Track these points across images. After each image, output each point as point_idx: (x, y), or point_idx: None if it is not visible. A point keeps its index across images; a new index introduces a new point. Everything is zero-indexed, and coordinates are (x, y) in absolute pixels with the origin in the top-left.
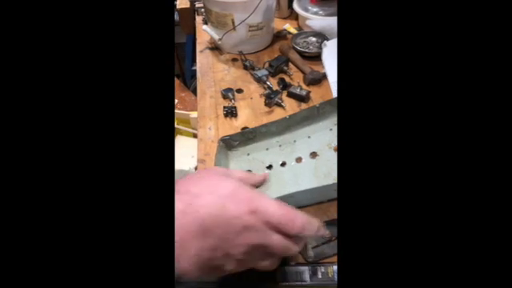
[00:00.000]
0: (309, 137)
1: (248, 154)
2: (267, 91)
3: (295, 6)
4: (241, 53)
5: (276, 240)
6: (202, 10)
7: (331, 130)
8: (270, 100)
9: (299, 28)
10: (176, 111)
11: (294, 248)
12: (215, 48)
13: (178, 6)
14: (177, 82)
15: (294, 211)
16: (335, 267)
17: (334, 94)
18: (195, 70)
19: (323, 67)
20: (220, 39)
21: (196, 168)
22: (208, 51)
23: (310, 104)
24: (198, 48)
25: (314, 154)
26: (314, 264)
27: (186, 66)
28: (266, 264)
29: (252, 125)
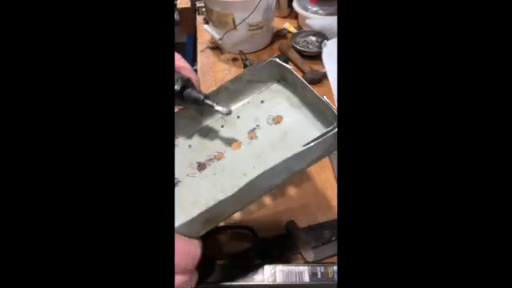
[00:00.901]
0: (238, 117)
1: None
2: None
3: (295, 5)
4: (241, 52)
5: (176, 280)
6: (203, 9)
7: (262, 102)
8: None
9: (299, 27)
10: (176, 111)
11: (194, 278)
12: (216, 47)
13: (178, 6)
14: None
15: (188, 247)
16: (335, 267)
17: (335, 94)
18: (196, 70)
19: (323, 67)
20: (221, 39)
21: None
22: (209, 51)
23: None
24: (199, 47)
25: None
26: (314, 264)
27: None
28: None
29: None
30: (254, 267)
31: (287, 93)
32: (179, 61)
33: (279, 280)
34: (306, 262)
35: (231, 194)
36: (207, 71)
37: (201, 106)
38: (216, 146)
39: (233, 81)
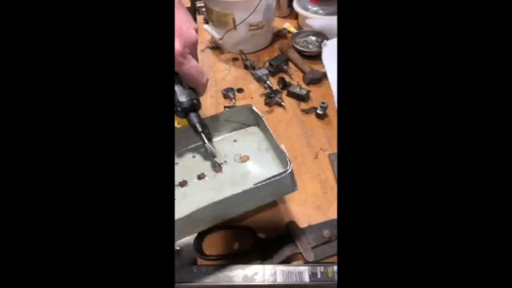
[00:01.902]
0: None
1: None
2: (267, 91)
3: (295, 5)
4: (241, 52)
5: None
6: (203, 9)
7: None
8: (270, 99)
9: (299, 27)
10: None
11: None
12: (216, 47)
13: None
14: None
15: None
16: (335, 267)
17: (334, 94)
18: None
19: (323, 66)
20: (221, 38)
21: None
22: (209, 51)
23: (310, 104)
24: (199, 47)
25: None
26: (314, 264)
27: None
28: None
29: None
30: (254, 267)
31: (260, 136)
32: (185, 26)
33: (279, 280)
34: (306, 262)
35: (178, 218)
36: (207, 71)
37: (196, 133)
38: (182, 174)
39: (211, 118)
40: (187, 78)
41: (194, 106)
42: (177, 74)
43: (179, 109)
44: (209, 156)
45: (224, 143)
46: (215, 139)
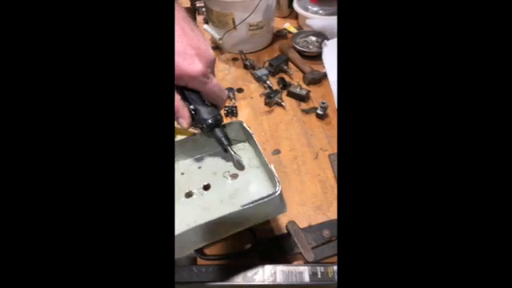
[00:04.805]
0: (199, 167)
1: None
2: (267, 91)
3: (295, 5)
4: (241, 52)
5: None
6: (203, 9)
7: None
8: (270, 99)
9: (299, 27)
10: None
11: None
12: (216, 47)
13: None
14: None
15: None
16: (335, 267)
17: (335, 94)
18: None
19: (323, 67)
20: (221, 38)
21: None
22: None
23: (310, 104)
24: None
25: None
26: (314, 264)
27: None
28: None
29: (252, 124)
30: (254, 267)
31: (250, 152)
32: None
33: (279, 280)
34: (306, 262)
35: None
36: None
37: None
38: None
39: (202, 133)
40: (210, 96)
41: (218, 122)
42: (198, 93)
43: (204, 126)
44: (197, 173)
45: (214, 160)
46: (204, 154)
